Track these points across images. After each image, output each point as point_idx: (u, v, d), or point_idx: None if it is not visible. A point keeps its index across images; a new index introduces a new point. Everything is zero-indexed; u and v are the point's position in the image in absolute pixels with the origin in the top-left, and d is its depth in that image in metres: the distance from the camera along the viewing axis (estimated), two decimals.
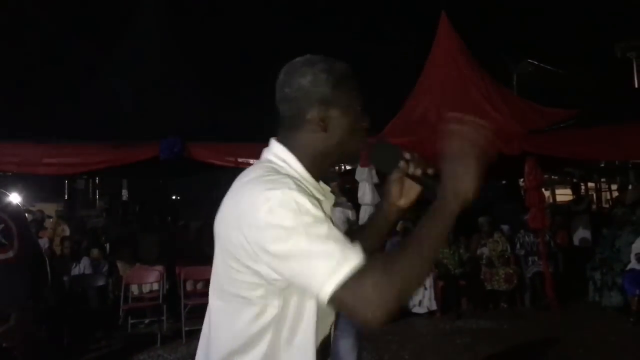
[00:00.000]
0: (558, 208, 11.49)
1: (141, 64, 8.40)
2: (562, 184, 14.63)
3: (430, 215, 1.14)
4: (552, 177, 13.62)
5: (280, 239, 1.06)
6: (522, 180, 9.23)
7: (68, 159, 6.87)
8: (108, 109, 7.72)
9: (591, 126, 7.11)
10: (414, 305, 7.30)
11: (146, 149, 6.84)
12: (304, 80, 1.23)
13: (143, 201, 11.82)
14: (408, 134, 7.45)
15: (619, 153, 7.66)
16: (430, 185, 1.31)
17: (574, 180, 12.00)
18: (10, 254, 2.47)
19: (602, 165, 11.74)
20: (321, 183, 1.30)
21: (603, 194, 14.85)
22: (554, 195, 14.73)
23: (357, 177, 6.86)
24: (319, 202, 1.16)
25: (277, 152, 1.25)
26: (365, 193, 6.76)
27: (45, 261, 2.77)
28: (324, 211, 1.13)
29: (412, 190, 1.39)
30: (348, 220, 4.13)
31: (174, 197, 16.41)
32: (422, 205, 1.35)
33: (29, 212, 11.65)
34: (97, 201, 16.71)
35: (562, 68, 15.50)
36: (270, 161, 1.24)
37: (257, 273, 1.13)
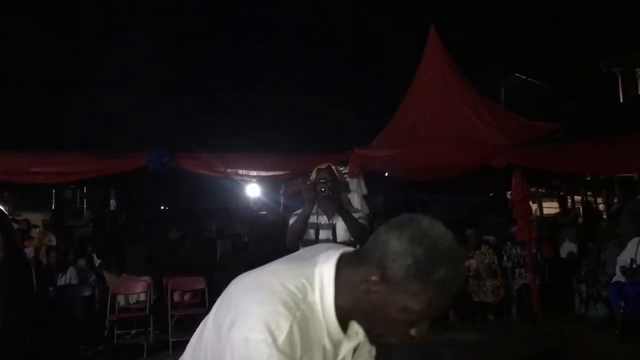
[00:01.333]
0: (544, 221, 11.58)
1: (130, 74, 8.40)
2: (549, 196, 14.74)
3: None
4: (539, 189, 13.72)
5: None
6: (509, 192, 9.31)
7: (55, 168, 6.84)
8: (96, 119, 7.70)
9: (577, 140, 7.20)
10: None
11: (134, 159, 6.83)
12: (394, 242, 1.09)
13: (131, 211, 11.77)
14: (396, 146, 7.51)
15: (605, 166, 7.75)
16: None
17: (561, 193, 12.10)
18: None
19: (588, 178, 11.86)
20: (352, 326, 1.20)
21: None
22: (540, 208, 14.82)
23: (350, 188, 6.94)
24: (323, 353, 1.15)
25: (324, 276, 1.17)
26: (355, 203, 6.79)
27: (31, 271, 2.76)
28: None
29: None
30: None
31: (162, 207, 16.33)
32: None
33: (15, 221, 11.53)
34: (85, 211, 16.60)
35: (549, 83, 15.70)
36: (309, 281, 1.16)
37: None
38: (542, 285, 7.50)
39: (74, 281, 7.30)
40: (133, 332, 7.00)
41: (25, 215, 12.43)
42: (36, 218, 11.51)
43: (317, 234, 3.51)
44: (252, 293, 1.14)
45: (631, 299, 6.39)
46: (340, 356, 1.20)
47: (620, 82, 15.31)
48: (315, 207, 3.53)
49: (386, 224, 1.15)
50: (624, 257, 6.75)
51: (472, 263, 7.86)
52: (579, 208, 14.70)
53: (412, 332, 1.12)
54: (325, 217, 3.53)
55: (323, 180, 3.46)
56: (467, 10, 15.18)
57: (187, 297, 7.29)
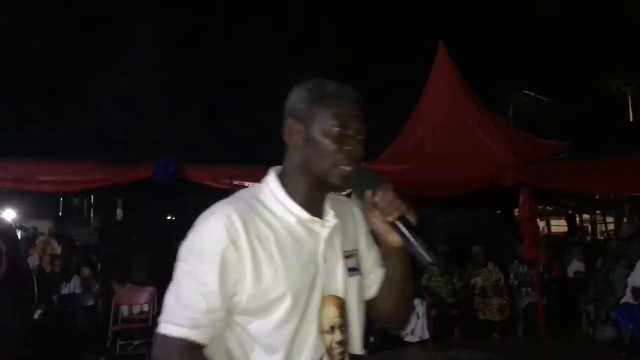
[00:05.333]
0: (552, 239, 11.48)
1: (138, 85, 8.45)
2: (557, 215, 14.64)
3: None
4: (547, 208, 13.64)
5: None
6: (516, 210, 9.23)
7: (63, 176, 6.86)
8: (105, 129, 7.74)
9: (586, 159, 7.14)
10: (406, 334, 7.23)
11: (141, 169, 6.82)
12: (290, 98, 1.28)
13: (137, 221, 11.77)
14: (404, 162, 7.49)
15: (614, 186, 7.67)
16: (405, 235, 1.18)
17: (569, 212, 12.02)
18: None
19: (597, 197, 11.77)
20: (327, 209, 1.28)
21: (598, 226, 14.86)
22: (548, 226, 14.71)
23: None
24: (295, 228, 1.22)
25: (266, 177, 1.30)
26: None
27: (33, 281, 2.75)
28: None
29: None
30: None
31: (169, 218, 16.33)
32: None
33: (24, 229, 11.58)
34: (91, 220, 16.64)
35: (558, 100, 15.65)
36: (258, 189, 1.29)
37: None
38: (549, 305, 7.40)
39: (78, 290, 7.29)
40: (136, 342, 6.95)
41: (33, 223, 12.48)
42: (44, 226, 11.55)
43: None
44: None
45: None
46: (323, 236, 1.25)
47: (630, 101, 15.26)
48: None
49: None
50: (635, 279, 6.65)
51: (478, 281, 7.79)
52: (587, 227, 14.60)
53: (347, 147, 1.22)
54: None
55: None
56: (475, 27, 15.20)
57: None
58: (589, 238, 13.20)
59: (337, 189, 1.26)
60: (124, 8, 13.14)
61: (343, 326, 1.23)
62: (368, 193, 1.21)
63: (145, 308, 7.02)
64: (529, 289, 7.55)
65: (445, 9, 15.83)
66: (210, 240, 1.15)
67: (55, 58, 12.35)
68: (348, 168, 1.22)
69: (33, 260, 7.43)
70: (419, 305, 7.30)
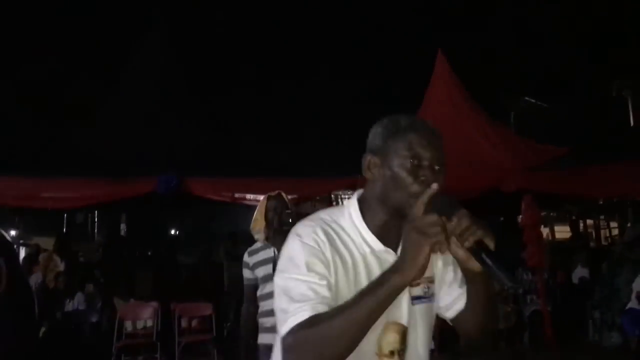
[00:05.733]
0: (557, 245, 11.43)
1: (139, 100, 8.49)
2: (561, 221, 14.58)
3: (371, 287, 1.18)
4: (551, 214, 13.59)
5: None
6: (519, 217, 9.21)
7: (65, 193, 6.89)
8: (106, 145, 7.77)
9: (588, 163, 7.13)
10: None
11: (143, 184, 6.85)
12: (369, 135, 1.37)
13: (141, 236, 11.78)
14: None
15: (616, 191, 7.66)
16: (483, 260, 1.15)
17: (573, 217, 11.96)
18: None
19: (601, 202, 11.72)
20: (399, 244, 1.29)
21: (602, 231, 14.79)
22: (552, 232, 14.65)
23: None
24: (353, 254, 1.30)
25: (349, 205, 1.39)
26: None
27: (34, 300, 2.74)
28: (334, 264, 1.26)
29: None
30: None
31: (172, 232, 16.31)
32: None
33: (26, 245, 11.58)
34: (96, 235, 16.62)
35: (559, 105, 15.63)
36: (339, 212, 1.38)
37: None
38: (554, 312, 7.36)
39: (82, 307, 7.28)
40: (140, 358, 6.94)
41: (37, 240, 12.45)
42: (48, 242, 11.53)
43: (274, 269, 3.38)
44: None
45: None
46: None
47: (630, 104, 15.25)
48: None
49: None
50: None
51: None
52: (591, 232, 14.54)
53: (422, 178, 1.26)
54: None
55: (289, 211, 3.40)
56: (475, 34, 15.24)
57: (194, 323, 7.23)
58: (593, 243, 13.16)
59: None
60: (123, 20, 13.20)
61: (402, 351, 1.31)
62: (443, 220, 1.19)
63: (149, 323, 7.00)
64: (534, 296, 7.51)
65: (443, 16, 15.88)
66: (304, 252, 1.24)
67: (53, 73, 12.41)
68: (418, 192, 1.25)
69: (36, 277, 7.43)
70: None
